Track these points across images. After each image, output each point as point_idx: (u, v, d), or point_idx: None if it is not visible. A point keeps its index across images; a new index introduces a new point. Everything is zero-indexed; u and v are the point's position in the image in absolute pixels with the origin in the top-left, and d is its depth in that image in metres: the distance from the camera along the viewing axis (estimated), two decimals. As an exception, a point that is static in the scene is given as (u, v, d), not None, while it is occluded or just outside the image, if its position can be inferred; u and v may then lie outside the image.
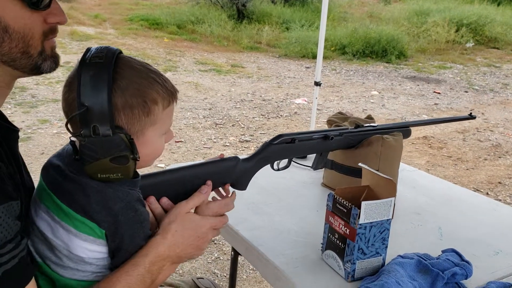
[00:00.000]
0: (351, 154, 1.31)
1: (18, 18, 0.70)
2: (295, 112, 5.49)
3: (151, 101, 0.78)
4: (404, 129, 1.38)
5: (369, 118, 1.52)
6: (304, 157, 1.64)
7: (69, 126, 0.75)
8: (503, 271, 1.03)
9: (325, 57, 8.64)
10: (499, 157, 4.42)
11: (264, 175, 1.45)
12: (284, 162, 1.23)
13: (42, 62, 0.76)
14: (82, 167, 0.75)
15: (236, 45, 9.32)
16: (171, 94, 0.82)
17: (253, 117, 5.18)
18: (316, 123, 4.36)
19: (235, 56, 8.55)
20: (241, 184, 1.08)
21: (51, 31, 0.76)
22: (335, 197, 0.97)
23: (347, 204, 0.94)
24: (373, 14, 11.66)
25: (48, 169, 0.83)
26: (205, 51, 8.70)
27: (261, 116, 5.24)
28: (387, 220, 0.95)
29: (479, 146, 4.70)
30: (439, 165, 4.16)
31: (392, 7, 12.23)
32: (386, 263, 0.98)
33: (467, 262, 0.98)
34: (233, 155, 1.07)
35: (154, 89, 0.78)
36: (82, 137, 0.73)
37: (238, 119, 5.08)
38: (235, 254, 1.67)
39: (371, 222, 0.93)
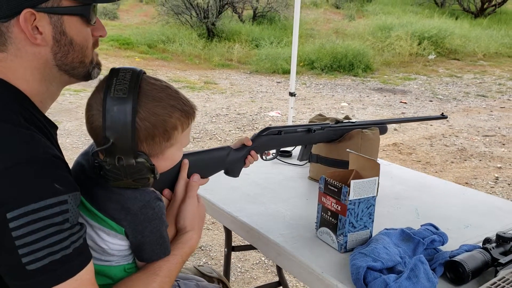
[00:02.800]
0: (334, 148, 1.45)
1: (79, 32, 0.84)
2: (270, 124, 5.65)
3: (172, 128, 0.84)
4: (380, 125, 1.53)
5: (347, 118, 1.68)
6: (289, 155, 1.78)
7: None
8: (472, 240, 1.18)
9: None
10: (465, 160, 4.68)
11: (256, 172, 1.58)
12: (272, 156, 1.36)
13: (92, 69, 0.89)
14: (106, 181, 0.82)
15: (207, 63, 9.48)
16: (189, 115, 0.87)
17: (229, 130, 5.31)
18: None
19: (207, 73, 8.69)
20: (233, 171, 1.19)
21: (96, 43, 0.90)
22: (327, 179, 1.11)
23: (337, 184, 1.08)
24: (338, 30, 12.06)
25: (75, 166, 0.91)
26: (177, 69, 8.82)
27: (237, 129, 5.37)
28: (373, 197, 1.09)
29: (445, 150, 4.95)
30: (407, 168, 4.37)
31: (356, 23, 12.68)
32: (373, 235, 1.11)
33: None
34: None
35: (174, 116, 0.84)
36: (107, 163, 0.80)
37: (215, 133, 5.20)
38: (228, 251, 1.78)
39: (359, 199, 1.06)
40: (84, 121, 0.84)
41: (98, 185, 0.85)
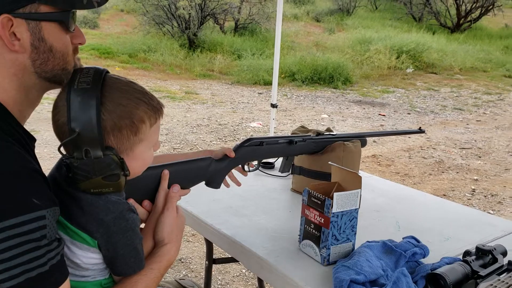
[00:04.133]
0: (316, 160, 1.46)
1: (58, 39, 0.82)
2: (252, 135, 5.65)
3: (139, 121, 0.83)
4: (361, 138, 1.55)
5: (329, 130, 1.69)
6: (272, 167, 1.78)
7: (61, 149, 0.79)
8: (453, 253, 1.19)
9: (276, 84, 8.96)
10: (442, 172, 4.76)
11: (235, 186, 1.57)
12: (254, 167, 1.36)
13: None
14: (76, 183, 0.80)
15: (189, 73, 9.46)
16: (157, 111, 0.87)
17: (210, 141, 5.29)
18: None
19: (189, 84, 8.67)
20: (214, 182, 1.18)
21: (75, 50, 0.88)
22: (310, 191, 1.11)
23: (321, 197, 1.08)
24: (318, 43, 12.21)
25: (48, 179, 0.86)
26: (158, 79, 8.77)
27: (218, 140, 5.36)
28: (355, 209, 1.09)
29: (423, 162, 5.03)
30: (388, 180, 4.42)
31: (336, 36, 12.86)
32: (355, 248, 1.11)
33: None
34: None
35: (141, 109, 0.83)
36: (75, 159, 0.78)
37: (195, 143, 5.17)
38: (209, 263, 1.77)
39: (342, 211, 1.07)
40: None
41: (71, 197, 0.83)
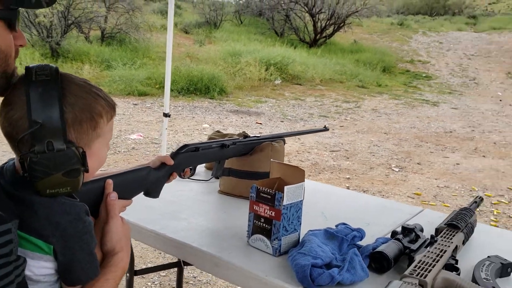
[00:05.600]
0: (246, 160, 1.52)
1: (4, 39, 0.76)
2: (133, 148, 5.48)
3: (97, 115, 0.83)
4: (282, 138, 1.65)
5: (244, 134, 1.76)
6: (194, 173, 1.79)
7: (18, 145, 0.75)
8: (376, 235, 1.35)
9: (150, 95, 8.80)
10: (319, 173, 5.17)
11: (166, 192, 1.55)
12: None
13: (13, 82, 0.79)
14: (32, 184, 0.75)
15: (54, 84, 8.80)
16: (112, 107, 0.88)
17: (90, 155, 5.00)
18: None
19: (55, 96, 8.07)
20: (154, 192, 1.17)
21: (17, 52, 0.81)
22: (259, 187, 1.16)
23: (271, 191, 1.14)
24: (190, 54, 12.29)
25: None
26: (19, 91, 8.00)
27: (99, 154, 5.09)
28: (301, 200, 1.18)
29: (302, 165, 5.40)
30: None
31: (207, 48, 13.09)
32: (301, 237, 1.19)
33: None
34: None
35: (99, 103, 0.83)
36: (35, 153, 0.74)
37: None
38: (131, 276, 1.70)
39: (290, 203, 1.14)
40: None
41: (21, 202, 0.77)
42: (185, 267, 2.01)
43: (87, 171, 0.80)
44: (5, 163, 0.85)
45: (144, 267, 2.69)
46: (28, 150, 0.74)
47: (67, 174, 0.77)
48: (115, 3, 12.35)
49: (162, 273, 2.71)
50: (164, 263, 2.77)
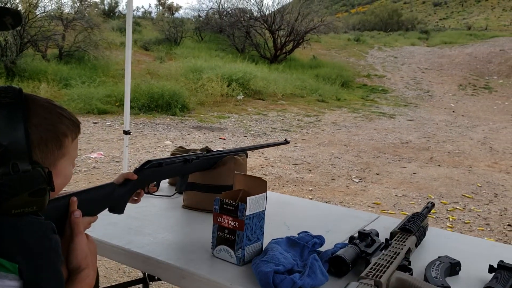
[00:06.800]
0: (210, 174, 1.55)
1: None
2: (94, 167, 5.39)
3: (62, 134, 0.85)
4: (244, 151, 1.70)
5: (207, 149, 1.80)
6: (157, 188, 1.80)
7: None
8: (335, 241, 1.41)
9: (111, 113, 8.68)
10: (283, 186, 5.24)
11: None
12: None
13: None
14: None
15: (9, 104, 8.54)
16: (77, 126, 0.91)
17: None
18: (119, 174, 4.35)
19: (11, 115, 7.84)
20: (119, 208, 1.19)
21: None
22: (222, 199, 1.20)
23: (233, 203, 1.18)
24: (151, 71, 12.24)
25: None
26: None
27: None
28: (263, 210, 1.23)
29: (266, 178, 5.42)
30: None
31: (168, 64, 13.07)
32: (264, 247, 1.24)
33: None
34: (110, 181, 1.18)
35: (64, 123, 0.86)
36: (1, 175, 0.75)
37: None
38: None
39: (253, 213, 1.19)
40: None
41: None
42: (151, 283, 2.01)
43: (53, 190, 0.82)
44: None
45: (108, 285, 2.66)
46: None
47: (33, 194, 0.78)
48: (72, 21, 12.18)
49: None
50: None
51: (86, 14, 13.04)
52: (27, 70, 10.03)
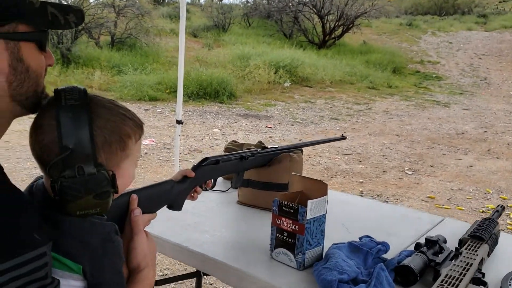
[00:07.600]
0: (265, 172, 1.52)
1: (35, 60, 0.77)
2: (146, 153, 5.51)
3: (126, 136, 0.83)
4: (300, 148, 1.64)
5: (261, 143, 1.76)
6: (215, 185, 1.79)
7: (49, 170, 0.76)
8: (399, 247, 1.34)
9: (161, 100, 8.84)
10: (332, 177, 5.15)
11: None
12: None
13: (43, 100, 0.81)
14: (63, 206, 0.76)
15: (65, 90, 8.87)
16: (140, 127, 0.88)
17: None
18: (170, 161, 4.45)
19: (67, 102, 8.13)
20: (177, 205, 1.18)
21: (45, 72, 0.82)
22: (281, 201, 1.16)
23: (293, 205, 1.14)
24: (199, 58, 12.34)
25: None
26: (31, 97, 8.08)
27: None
28: (324, 214, 1.17)
29: (314, 169, 5.39)
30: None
31: (216, 51, 13.12)
32: (325, 251, 1.19)
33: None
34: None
35: (127, 124, 0.84)
36: (66, 178, 0.74)
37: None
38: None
39: (314, 217, 1.14)
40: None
41: (53, 223, 0.77)
42: (204, 276, 2.01)
43: (117, 192, 0.81)
44: (34, 181, 0.86)
45: (160, 274, 2.71)
46: (59, 174, 0.75)
47: (97, 196, 0.77)
48: (124, 8, 12.45)
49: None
50: (180, 269, 2.78)
51: (137, 1, 13.27)
52: (81, 57, 10.36)
